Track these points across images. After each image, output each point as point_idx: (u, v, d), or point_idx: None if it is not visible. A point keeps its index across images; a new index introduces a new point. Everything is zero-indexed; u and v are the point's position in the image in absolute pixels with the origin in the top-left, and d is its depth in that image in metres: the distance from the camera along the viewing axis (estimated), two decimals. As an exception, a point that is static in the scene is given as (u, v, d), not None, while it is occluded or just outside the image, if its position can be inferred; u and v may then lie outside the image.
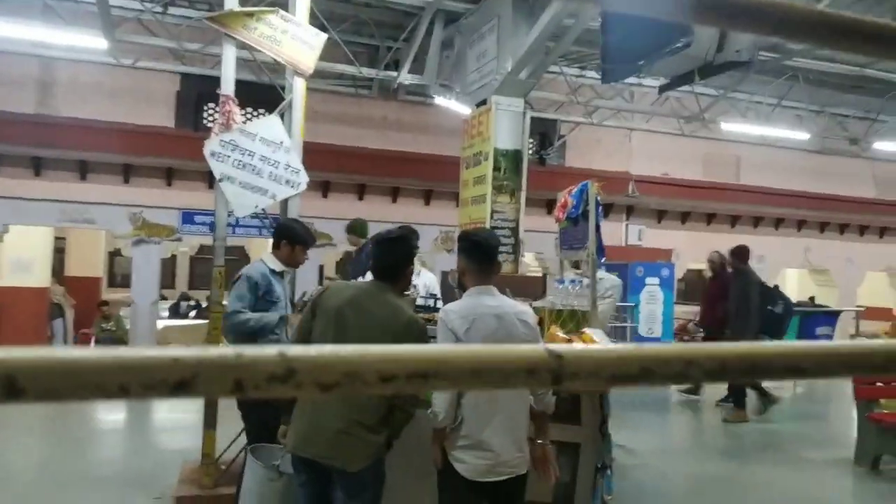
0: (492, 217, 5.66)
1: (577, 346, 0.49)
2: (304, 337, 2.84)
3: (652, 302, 10.71)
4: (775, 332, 7.27)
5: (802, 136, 12.39)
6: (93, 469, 5.09)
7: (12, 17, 7.55)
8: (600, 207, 3.57)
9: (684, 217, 13.94)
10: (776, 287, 7.42)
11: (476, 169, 5.82)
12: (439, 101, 8.75)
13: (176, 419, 6.67)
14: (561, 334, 3.27)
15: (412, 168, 11.02)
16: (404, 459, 3.08)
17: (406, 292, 3.54)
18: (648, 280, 10.71)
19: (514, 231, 5.84)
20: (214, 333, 4.18)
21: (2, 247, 10.19)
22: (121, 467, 5.24)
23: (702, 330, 16.02)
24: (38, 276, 10.65)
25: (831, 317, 11.16)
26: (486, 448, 2.66)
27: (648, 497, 5.02)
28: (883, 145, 12.89)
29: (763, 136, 12.84)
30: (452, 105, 8.33)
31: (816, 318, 10.95)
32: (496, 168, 5.54)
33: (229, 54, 4.19)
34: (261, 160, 4.16)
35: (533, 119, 8.75)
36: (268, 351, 0.40)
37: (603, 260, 3.66)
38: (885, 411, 6.04)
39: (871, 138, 13.02)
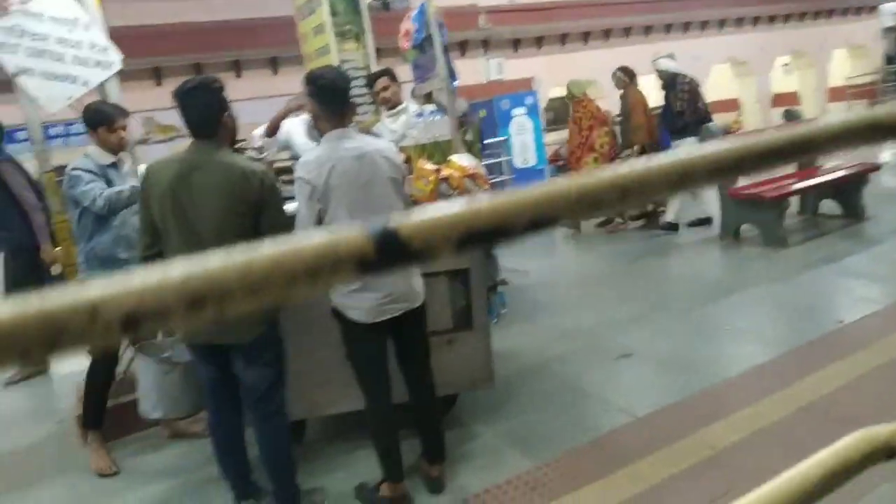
0: (340, 67, 5.32)
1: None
2: (151, 231, 2.56)
3: (522, 132, 10.85)
4: None
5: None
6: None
7: None
8: (444, 28, 3.38)
9: (539, 42, 13.92)
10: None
11: (312, 18, 5.36)
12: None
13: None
14: (429, 166, 3.19)
15: (252, 37, 10.17)
16: (303, 319, 3.02)
17: (238, 146, 3.27)
18: (515, 111, 10.78)
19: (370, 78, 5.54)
20: (64, 245, 3.80)
21: None
22: (16, 403, 4.91)
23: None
24: None
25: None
26: (372, 289, 2.61)
27: (542, 307, 5.31)
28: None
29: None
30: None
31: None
32: (333, 13, 5.12)
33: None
34: (59, 43, 3.60)
35: (367, -40, 8.13)
36: None
37: (456, 83, 3.54)
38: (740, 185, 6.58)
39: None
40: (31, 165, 5.04)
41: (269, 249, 0.36)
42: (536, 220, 0.42)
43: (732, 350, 4.13)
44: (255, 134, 4.03)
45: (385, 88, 4.28)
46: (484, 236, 0.42)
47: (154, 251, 2.58)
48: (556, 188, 0.43)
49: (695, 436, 3.07)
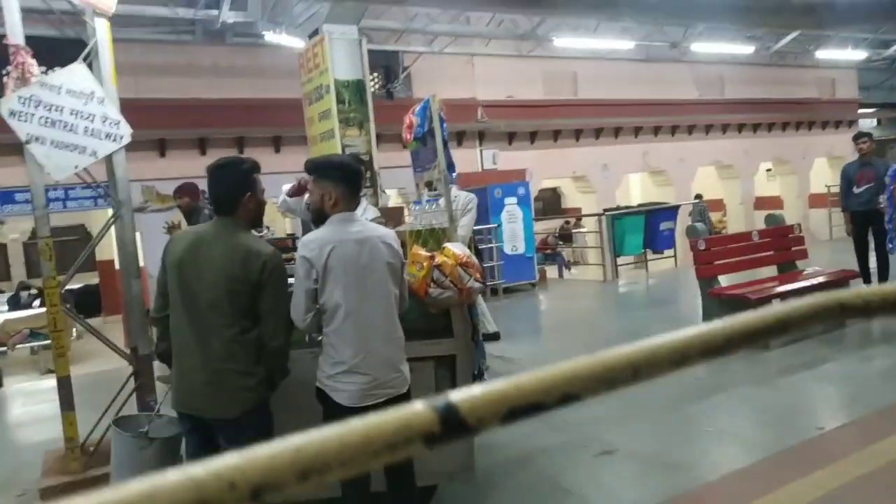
0: (343, 152, 5.52)
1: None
2: (164, 295, 2.71)
3: (513, 221, 11.07)
4: None
5: (628, 44, 13.06)
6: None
7: None
8: (444, 123, 3.55)
9: (533, 136, 14.42)
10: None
11: (319, 104, 5.60)
12: (269, 37, 8.28)
13: (33, 412, 6.13)
14: (423, 252, 3.27)
15: (256, 115, 10.49)
16: (288, 399, 3.01)
17: (260, 228, 3.37)
18: (507, 200, 11.04)
19: (369, 164, 5.73)
20: (53, 311, 3.80)
21: None
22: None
23: (560, 241, 16.87)
24: None
25: (672, 211, 12.13)
26: (360, 371, 2.64)
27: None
28: (699, 47, 13.88)
29: (594, 50, 13.40)
30: (284, 40, 7.91)
31: (659, 214, 11.87)
32: (340, 101, 5.36)
33: (12, -3, 3.66)
34: (72, 115, 3.74)
35: (375, 52, 8.54)
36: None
37: (455, 175, 3.67)
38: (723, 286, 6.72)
39: (688, 41, 13.97)
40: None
41: (358, 427, 0.44)
42: (566, 397, 0.50)
43: (714, 452, 4.11)
44: (283, 188, 4.21)
45: None
46: (525, 411, 0.49)
47: (164, 314, 2.72)
48: (582, 366, 0.51)
49: (675, 540, 3.03)
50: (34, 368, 10.97)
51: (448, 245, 3.31)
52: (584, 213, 16.19)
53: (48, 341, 10.84)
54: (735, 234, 7.24)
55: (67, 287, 4.29)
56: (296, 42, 7.23)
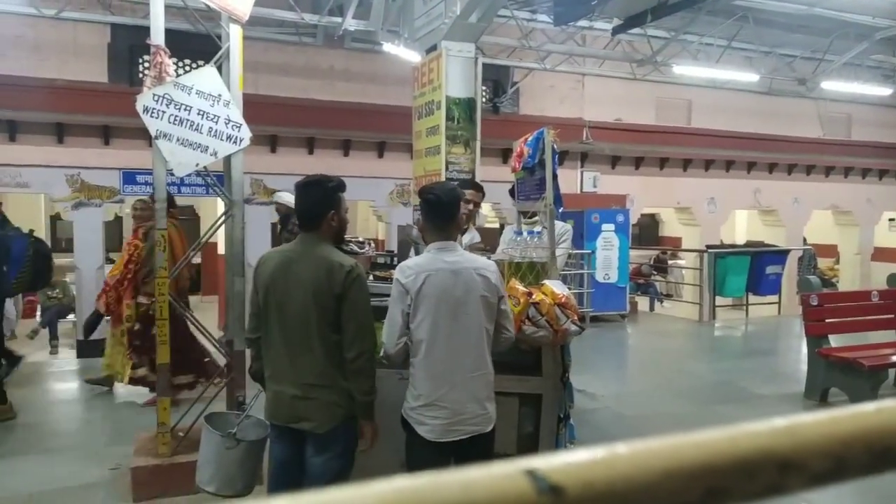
0: (447, 168, 5.53)
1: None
2: (257, 315, 2.80)
3: (608, 248, 10.79)
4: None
5: (752, 77, 12.44)
6: (44, 441, 4.91)
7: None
8: (556, 155, 3.46)
9: (638, 162, 13.99)
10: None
11: (429, 119, 5.64)
12: (387, 47, 8.45)
13: (130, 390, 6.48)
14: (521, 287, 3.20)
15: (364, 120, 10.71)
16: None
17: (345, 245, 3.41)
18: (604, 226, 10.77)
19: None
20: (161, 300, 3.99)
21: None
22: (75, 438, 5.07)
23: (655, 271, 16.27)
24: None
25: (781, 255, 11.45)
26: (443, 406, 2.61)
27: (609, 441, 5.09)
28: (829, 85, 13.05)
29: (713, 79, 12.86)
30: (401, 52, 8.05)
31: (766, 257, 11.23)
32: (449, 118, 5.38)
33: (158, 1, 3.88)
34: (199, 115, 3.91)
35: (485, 66, 8.54)
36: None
37: (561, 210, 3.57)
38: (833, 346, 6.24)
39: (817, 78, 13.17)
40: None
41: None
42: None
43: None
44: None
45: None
46: None
47: (257, 335, 2.81)
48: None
49: None
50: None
51: (547, 282, 3.22)
52: (684, 245, 15.57)
53: (151, 314, 11.43)
54: (853, 291, 6.72)
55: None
56: (412, 55, 7.32)
